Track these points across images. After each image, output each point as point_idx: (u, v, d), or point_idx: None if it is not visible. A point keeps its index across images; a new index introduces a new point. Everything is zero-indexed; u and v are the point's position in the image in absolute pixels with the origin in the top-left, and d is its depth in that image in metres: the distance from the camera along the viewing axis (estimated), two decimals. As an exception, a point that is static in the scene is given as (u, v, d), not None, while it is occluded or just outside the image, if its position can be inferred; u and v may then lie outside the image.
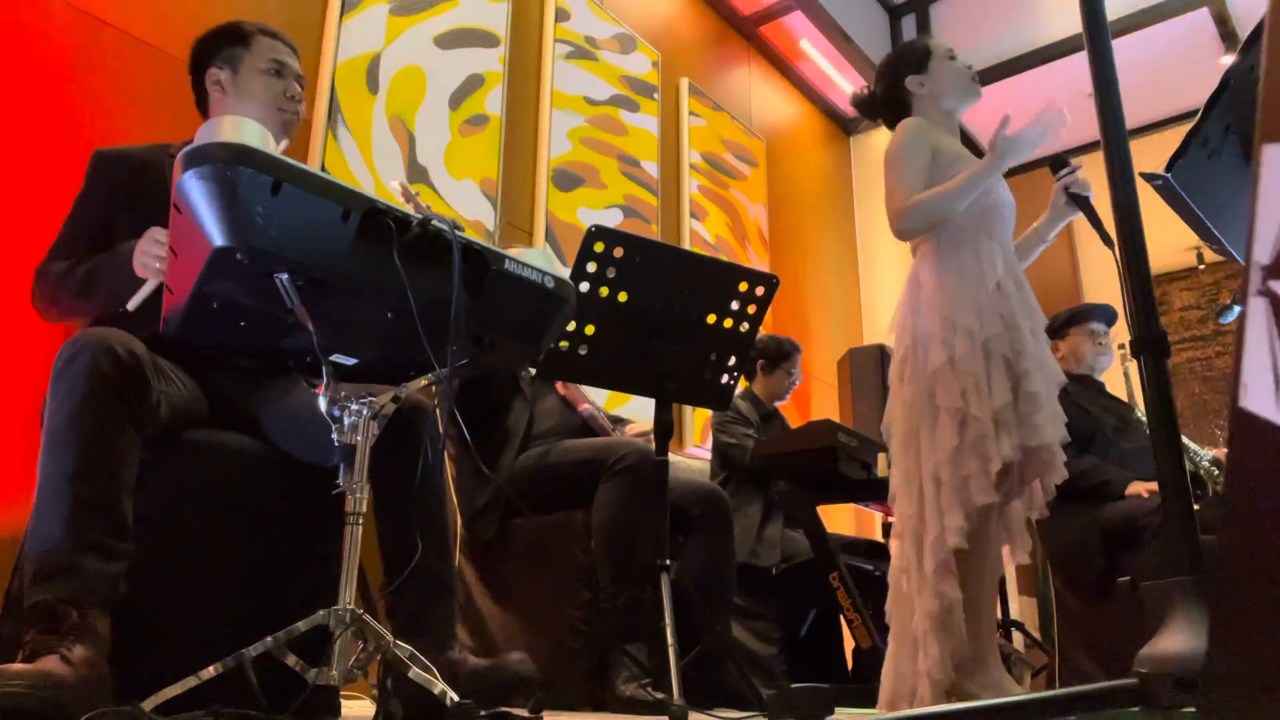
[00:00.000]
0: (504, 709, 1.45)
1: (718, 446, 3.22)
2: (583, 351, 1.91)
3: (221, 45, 1.78)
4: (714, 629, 1.94)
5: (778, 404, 3.49)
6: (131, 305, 1.52)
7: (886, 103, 2.19)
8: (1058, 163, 2.04)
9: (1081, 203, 1.98)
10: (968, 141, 6.02)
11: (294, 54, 1.82)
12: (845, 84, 5.63)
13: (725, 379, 2.08)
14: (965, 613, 1.83)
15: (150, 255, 1.48)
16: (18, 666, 1.08)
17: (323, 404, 1.29)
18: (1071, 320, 3.27)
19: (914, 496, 1.88)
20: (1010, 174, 2.13)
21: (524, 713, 1.49)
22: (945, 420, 1.84)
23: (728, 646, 2.19)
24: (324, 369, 1.28)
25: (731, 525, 2.46)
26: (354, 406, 1.30)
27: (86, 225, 1.67)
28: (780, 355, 3.43)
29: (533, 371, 2.55)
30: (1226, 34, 5.22)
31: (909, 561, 1.86)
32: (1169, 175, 1.19)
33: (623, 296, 1.89)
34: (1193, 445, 3.01)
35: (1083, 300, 5.72)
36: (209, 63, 1.78)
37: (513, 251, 1.32)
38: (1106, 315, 3.26)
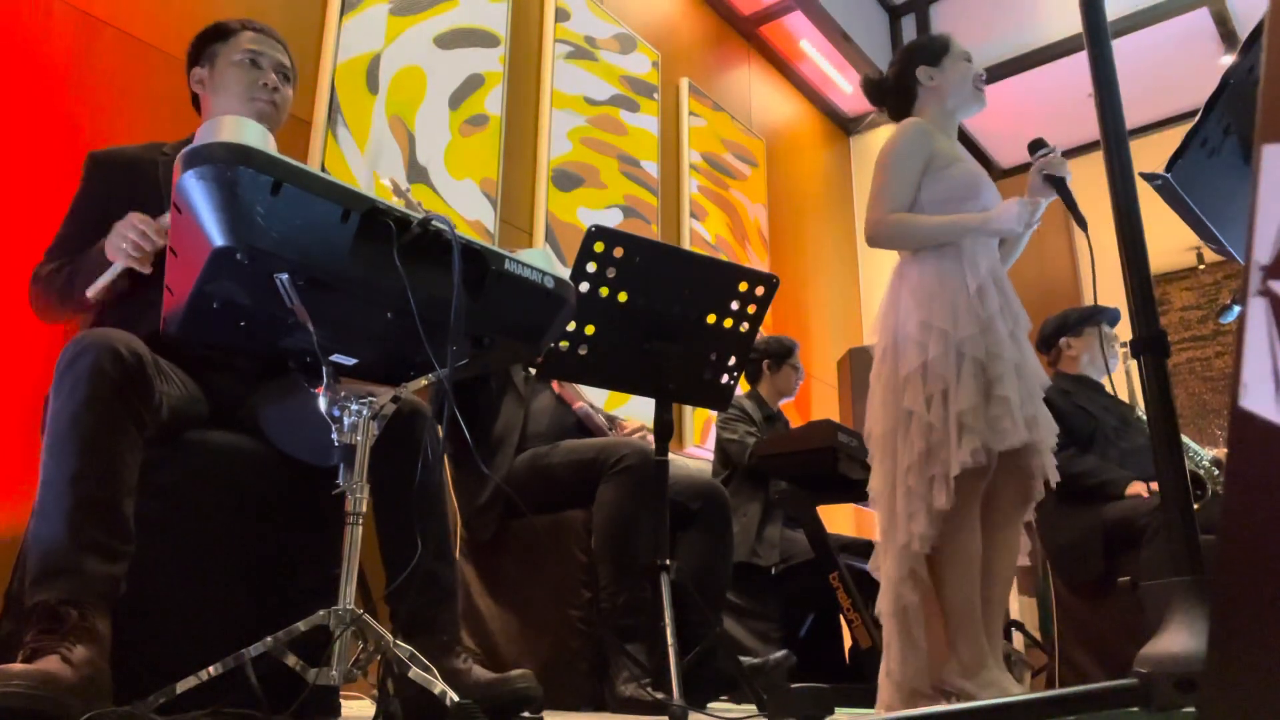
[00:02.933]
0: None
1: (719, 443, 3.23)
2: (583, 351, 1.91)
3: (205, 44, 1.79)
4: (713, 627, 1.94)
5: (784, 402, 3.50)
6: (90, 293, 1.52)
7: (894, 89, 2.20)
8: (1036, 144, 2.08)
9: (1057, 184, 2.02)
10: (967, 142, 6.02)
11: (277, 46, 1.81)
12: (845, 84, 5.63)
13: (725, 379, 2.08)
14: (958, 613, 1.84)
15: (121, 235, 1.47)
16: (18, 666, 1.08)
17: (323, 404, 1.29)
18: (1086, 320, 3.27)
19: (887, 499, 1.91)
20: (1001, 176, 2.15)
21: (525, 713, 1.49)
22: (914, 424, 1.87)
23: (723, 643, 2.19)
24: (324, 369, 1.28)
25: (730, 521, 2.46)
26: (354, 406, 1.30)
27: (81, 227, 1.68)
28: (784, 351, 3.45)
29: (532, 371, 2.54)
30: (1226, 34, 5.22)
31: (881, 563, 1.91)
32: (1169, 175, 1.19)
33: (623, 296, 1.89)
34: (1193, 445, 3.01)
35: (1083, 301, 5.73)
36: (195, 63, 1.80)
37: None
38: (1113, 318, 3.27)
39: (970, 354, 1.86)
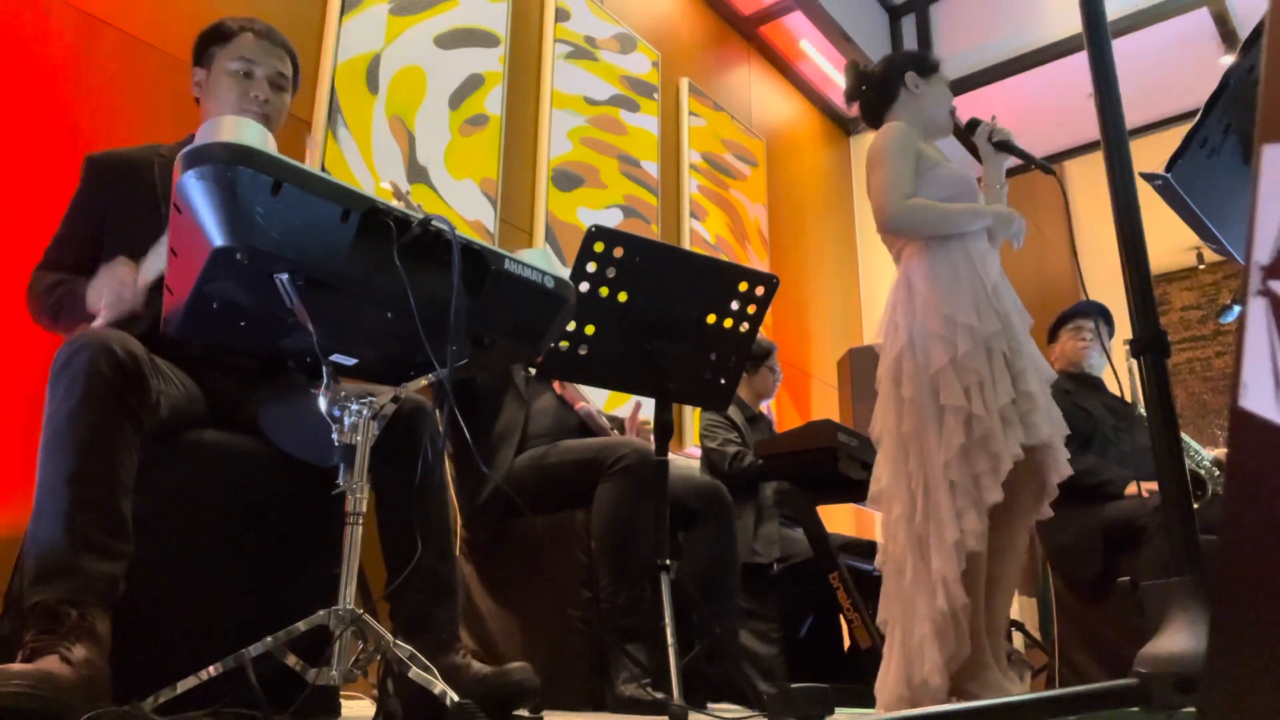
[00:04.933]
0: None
1: (704, 451, 3.22)
2: (583, 351, 1.91)
3: (205, 45, 1.76)
4: (714, 628, 1.94)
5: (765, 403, 3.50)
6: None
7: (878, 83, 2.21)
8: (972, 123, 2.17)
9: (1007, 146, 2.13)
10: (967, 144, 6.01)
11: (277, 51, 1.76)
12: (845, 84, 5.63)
13: (725, 379, 2.08)
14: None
15: (109, 289, 1.48)
16: (18, 666, 1.08)
17: (323, 404, 1.28)
18: (1059, 323, 3.36)
19: (912, 497, 1.86)
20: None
21: (524, 713, 1.49)
22: (951, 419, 1.83)
23: (732, 643, 2.19)
24: (324, 369, 1.28)
25: (733, 519, 2.46)
26: (354, 406, 1.30)
27: (79, 229, 1.68)
28: (762, 353, 3.44)
29: (531, 371, 2.54)
30: (1226, 34, 5.22)
31: (902, 564, 1.85)
32: (1169, 175, 1.19)
33: (623, 296, 1.89)
34: (1193, 445, 3.01)
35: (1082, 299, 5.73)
36: (196, 64, 1.77)
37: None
38: (1087, 309, 3.27)
39: (998, 349, 1.86)
